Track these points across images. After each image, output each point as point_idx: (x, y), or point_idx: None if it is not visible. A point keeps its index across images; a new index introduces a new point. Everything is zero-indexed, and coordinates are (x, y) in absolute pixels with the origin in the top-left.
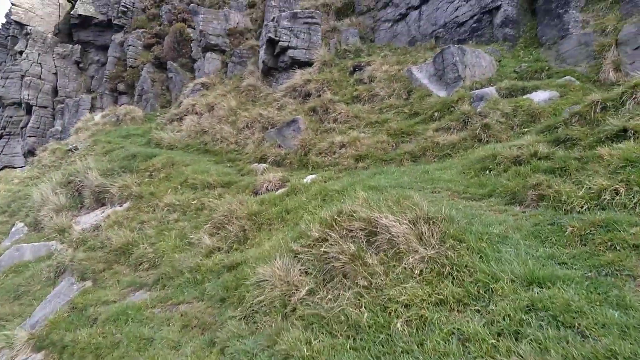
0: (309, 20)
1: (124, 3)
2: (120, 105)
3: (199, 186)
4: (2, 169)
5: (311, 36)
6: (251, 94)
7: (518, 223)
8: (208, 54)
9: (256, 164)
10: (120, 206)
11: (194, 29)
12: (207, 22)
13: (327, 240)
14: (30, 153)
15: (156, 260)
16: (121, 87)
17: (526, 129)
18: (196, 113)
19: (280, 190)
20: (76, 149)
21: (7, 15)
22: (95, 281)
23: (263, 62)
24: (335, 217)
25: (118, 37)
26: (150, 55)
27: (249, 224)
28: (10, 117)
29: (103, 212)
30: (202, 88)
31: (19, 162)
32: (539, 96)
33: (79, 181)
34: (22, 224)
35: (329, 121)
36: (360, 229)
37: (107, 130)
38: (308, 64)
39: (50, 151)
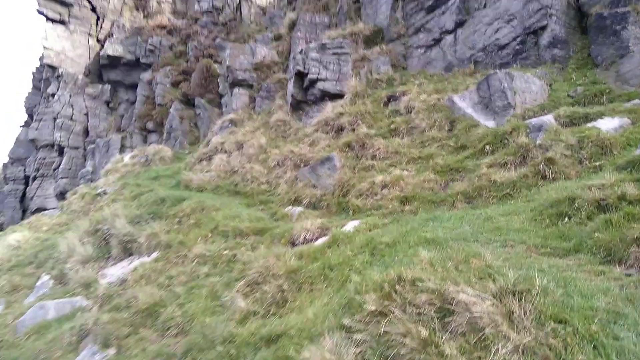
0: (338, 50)
1: (151, 42)
2: (149, 144)
3: (231, 234)
4: (35, 211)
5: (341, 67)
6: (281, 129)
7: (627, 292)
8: (235, 90)
9: (290, 206)
10: (148, 256)
11: (220, 64)
12: (234, 57)
13: (386, 315)
14: (62, 195)
15: (185, 324)
16: (150, 125)
17: (597, 163)
18: (225, 151)
19: (320, 241)
20: (105, 193)
21: (41, 59)
22: (119, 349)
23: (292, 95)
24: (395, 285)
25: (146, 75)
26: (178, 92)
27: (288, 284)
28: (44, 158)
29: (130, 262)
30: (230, 125)
31: (51, 203)
32: (607, 124)
33: (106, 229)
34: (48, 277)
35: (366, 157)
36: (429, 304)
37: (137, 172)
38: (339, 95)
39: (80, 195)
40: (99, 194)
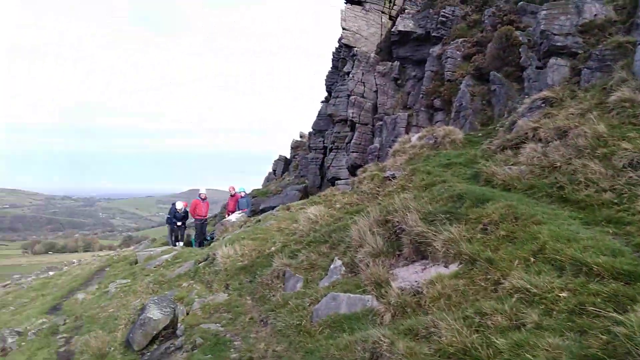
0: None
1: (444, 12)
2: (435, 123)
3: (568, 267)
4: (330, 179)
5: None
6: (627, 112)
7: None
8: (551, 60)
9: None
10: (446, 267)
11: (523, 31)
12: (551, 19)
13: None
14: (352, 167)
15: None
16: (437, 103)
17: None
18: (539, 140)
19: None
20: (393, 177)
21: (339, 40)
22: None
23: None
24: None
25: (436, 49)
26: (470, 66)
27: None
28: (338, 132)
29: (424, 268)
30: (543, 105)
31: (343, 174)
32: None
33: (397, 222)
34: (340, 262)
35: None
36: None
37: (425, 155)
38: None
39: (369, 176)
40: (387, 177)
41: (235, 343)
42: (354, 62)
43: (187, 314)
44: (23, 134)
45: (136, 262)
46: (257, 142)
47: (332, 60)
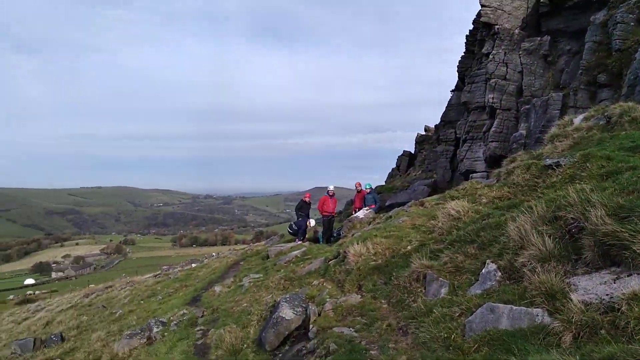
0: None
1: None
2: (600, 102)
3: None
4: (464, 172)
5: None
6: None
7: None
8: None
9: None
10: None
11: None
12: None
13: None
14: (491, 158)
15: None
16: (602, 78)
17: None
18: None
19: None
20: (558, 165)
21: (475, 19)
22: None
23: None
24: None
25: (599, 16)
26: None
27: None
28: (474, 121)
29: (617, 277)
30: None
31: (480, 166)
32: None
33: (572, 219)
34: (494, 266)
35: None
36: None
37: (597, 139)
38: None
39: (523, 166)
40: (549, 166)
41: (372, 352)
42: (494, 41)
43: (319, 314)
44: (173, 142)
45: (267, 257)
46: (378, 139)
47: (466, 44)
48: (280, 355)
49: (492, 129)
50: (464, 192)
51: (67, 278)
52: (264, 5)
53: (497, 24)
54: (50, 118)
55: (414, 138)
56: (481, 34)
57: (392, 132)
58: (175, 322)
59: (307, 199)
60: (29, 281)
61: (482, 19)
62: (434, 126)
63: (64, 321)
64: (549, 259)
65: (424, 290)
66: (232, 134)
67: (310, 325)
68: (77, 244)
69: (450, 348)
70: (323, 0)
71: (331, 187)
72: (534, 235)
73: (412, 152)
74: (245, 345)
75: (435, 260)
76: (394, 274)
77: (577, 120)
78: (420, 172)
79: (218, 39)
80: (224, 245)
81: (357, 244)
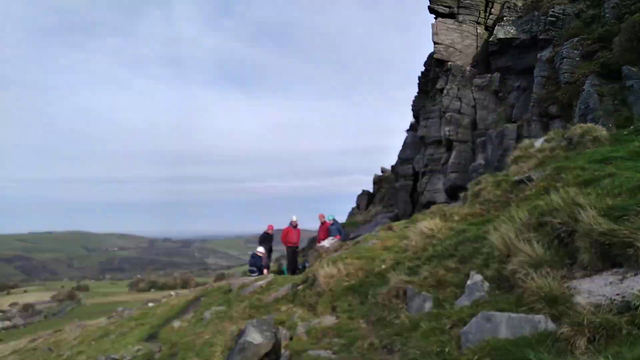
0: None
1: (553, 12)
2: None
3: None
4: (425, 204)
5: None
6: None
7: None
8: None
9: None
10: None
11: None
12: None
13: None
14: (451, 189)
15: None
16: (553, 109)
17: None
18: None
19: None
20: (529, 179)
21: (428, 59)
22: None
23: None
24: None
25: (545, 53)
26: (593, 65)
27: None
28: (432, 154)
29: (623, 278)
30: None
31: (440, 197)
32: None
33: (560, 224)
34: (480, 277)
35: None
36: None
37: (563, 157)
38: None
39: (493, 183)
40: (520, 182)
41: None
42: (447, 77)
43: (291, 338)
44: (129, 184)
45: (230, 291)
46: (337, 183)
47: (418, 84)
48: None
49: (451, 160)
50: (432, 215)
51: (14, 327)
52: (227, 53)
53: (449, 61)
54: None
55: (372, 179)
56: (434, 72)
57: (349, 176)
58: (128, 358)
59: (270, 231)
60: None
61: (435, 56)
62: (390, 167)
63: None
64: (541, 265)
65: (405, 306)
66: (193, 177)
67: (282, 350)
68: (25, 291)
69: None
70: (287, 51)
71: (294, 218)
72: (520, 243)
73: (371, 191)
74: None
75: (415, 276)
76: (371, 292)
77: (538, 143)
78: (380, 207)
79: (181, 82)
80: (184, 288)
81: (328, 266)
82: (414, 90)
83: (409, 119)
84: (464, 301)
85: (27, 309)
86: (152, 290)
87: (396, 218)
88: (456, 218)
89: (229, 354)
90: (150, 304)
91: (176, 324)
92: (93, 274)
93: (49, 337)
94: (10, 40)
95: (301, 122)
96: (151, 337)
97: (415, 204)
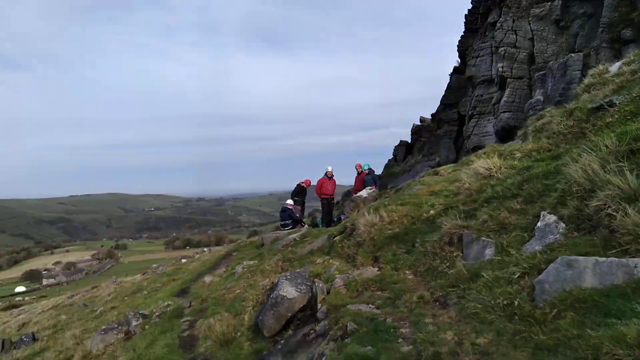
0: None
1: None
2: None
3: None
4: (472, 149)
5: None
6: None
7: None
8: None
9: None
10: None
11: None
12: None
13: None
14: (503, 130)
15: None
16: (627, 34)
17: None
18: None
19: None
20: (611, 104)
21: None
22: None
23: None
24: None
25: None
26: None
27: None
28: (481, 95)
29: None
30: None
31: (489, 141)
32: None
33: None
34: (554, 217)
35: None
36: None
37: None
38: None
39: (562, 114)
40: (597, 108)
41: (403, 331)
42: (501, 9)
43: (328, 292)
44: (166, 148)
45: (262, 245)
46: (372, 137)
47: (465, 23)
48: (282, 341)
49: (504, 99)
50: (486, 155)
51: (58, 284)
52: (257, 10)
53: None
54: (41, 130)
55: (410, 131)
56: (485, 5)
57: (385, 129)
58: (157, 314)
59: (305, 185)
60: (20, 289)
61: None
62: (430, 115)
63: (40, 321)
64: (637, 199)
65: (461, 254)
66: (226, 137)
67: (319, 305)
68: (67, 251)
69: (516, 317)
70: (321, 4)
71: (330, 168)
72: (610, 173)
73: (409, 141)
74: (239, 333)
75: (471, 220)
76: (418, 240)
77: (614, 67)
78: (420, 157)
79: (213, 47)
80: (218, 245)
81: (368, 214)
82: (454, 39)
83: (450, 66)
84: (534, 246)
85: (70, 267)
86: (188, 248)
87: (438, 166)
88: (518, 155)
89: (260, 309)
90: (184, 260)
91: (207, 278)
92: (130, 233)
93: (86, 293)
94: (56, 18)
95: (337, 78)
96: (182, 292)
97: (460, 151)
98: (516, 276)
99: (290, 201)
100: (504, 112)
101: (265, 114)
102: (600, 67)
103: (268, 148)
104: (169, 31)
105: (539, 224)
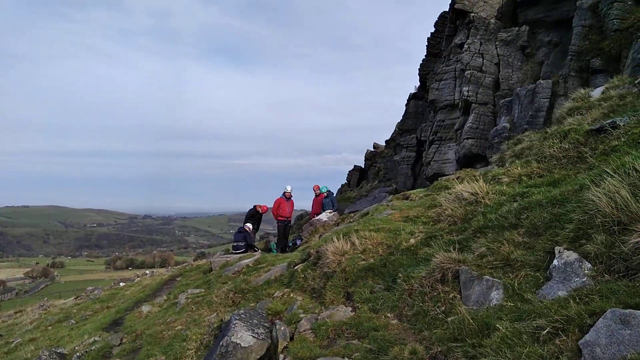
0: None
1: None
2: (594, 89)
3: None
4: (431, 176)
5: None
6: None
7: None
8: None
9: None
10: None
11: None
12: None
13: None
14: (465, 158)
15: None
16: (596, 63)
17: None
18: None
19: None
20: (615, 126)
21: (441, 16)
22: None
23: None
24: None
25: (587, 0)
26: None
27: None
28: (443, 120)
29: None
30: None
31: (450, 168)
32: None
33: None
34: (575, 255)
35: None
36: None
37: (633, 104)
38: None
39: (557, 135)
40: (597, 130)
41: None
42: (468, 31)
43: (292, 338)
44: (110, 159)
45: (210, 270)
46: (325, 161)
47: (427, 47)
48: None
49: (467, 124)
50: (460, 180)
51: None
52: (216, 24)
53: (472, 12)
54: None
55: (363, 157)
56: (450, 27)
57: (338, 154)
58: (79, 354)
59: (260, 210)
60: None
61: (456, 6)
62: (384, 142)
63: None
64: None
65: (459, 296)
66: (176, 152)
67: (280, 356)
68: None
69: None
70: (280, 25)
71: (289, 188)
72: None
73: (363, 167)
74: None
75: (466, 253)
76: (401, 274)
77: (596, 92)
78: (375, 183)
79: (169, 56)
80: (163, 267)
81: (338, 239)
82: (410, 67)
83: (406, 93)
84: (556, 291)
85: None
86: (130, 268)
87: (396, 192)
88: (505, 180)
89: (206, 355)
90: (122, 284)
91: (145, 308)
92: (69, 250)
93: (7, 318)
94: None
95: (293, 99)
96: (115, 323)
97: (417, 178)
98: (544, 332)
99: (250, 224)
100: (468, 138)
101: (219, 131)
102: (582, 91)
103: (219, 165)
104: (123, 34)
105: (555, 262)
